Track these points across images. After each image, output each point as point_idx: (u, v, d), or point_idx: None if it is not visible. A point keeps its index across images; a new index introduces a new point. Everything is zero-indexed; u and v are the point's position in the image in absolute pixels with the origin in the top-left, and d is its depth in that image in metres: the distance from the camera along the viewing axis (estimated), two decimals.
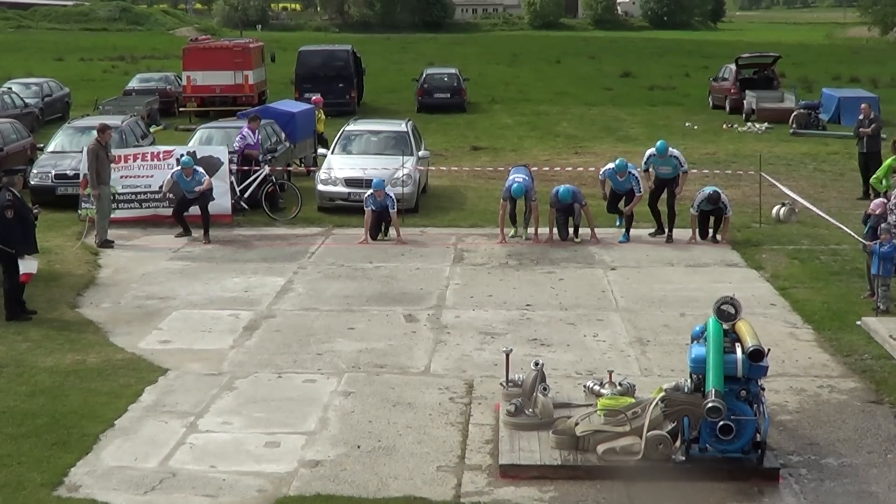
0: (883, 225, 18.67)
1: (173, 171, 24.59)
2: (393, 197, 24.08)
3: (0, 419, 13.83)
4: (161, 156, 26.12)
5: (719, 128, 45.67)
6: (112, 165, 24.59)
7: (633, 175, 24.33)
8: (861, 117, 29.99)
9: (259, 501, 11.64)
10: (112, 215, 24.10)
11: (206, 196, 24.20)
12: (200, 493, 11.79)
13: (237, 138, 27.26)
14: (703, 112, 51.62)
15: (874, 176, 23.52)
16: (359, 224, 25.70)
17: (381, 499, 11.68)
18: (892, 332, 17.01)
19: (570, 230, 24.25)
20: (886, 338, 16.87)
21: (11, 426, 13.60)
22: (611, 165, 24.78)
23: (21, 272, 18.07)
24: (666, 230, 24.31)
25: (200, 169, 24.37)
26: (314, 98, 36.19)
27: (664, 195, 24.58)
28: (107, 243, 23.14)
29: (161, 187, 25.16)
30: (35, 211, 19.25)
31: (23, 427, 13.58)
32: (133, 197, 25.32)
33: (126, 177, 25.09)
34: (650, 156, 24.52)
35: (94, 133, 25.04)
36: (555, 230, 24.18)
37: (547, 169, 32.18)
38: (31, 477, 12.15)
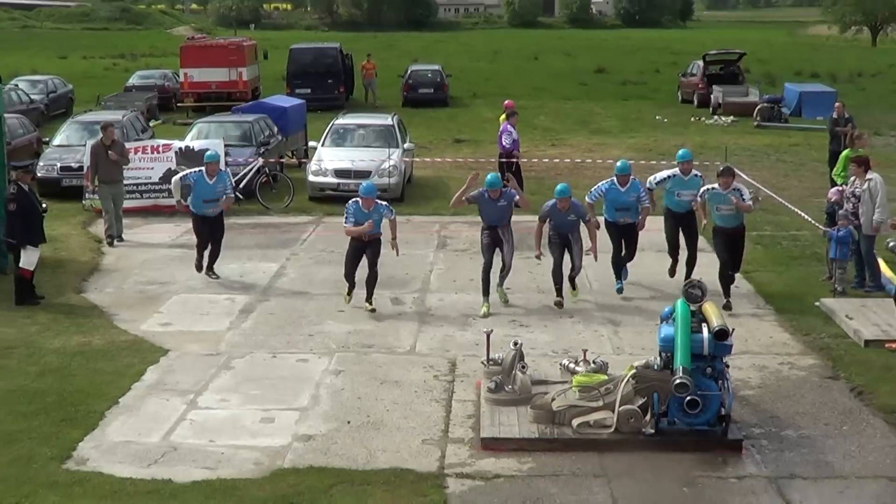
0: (840, 212, 18.78)
1: (186, 173, 19.92)
2: (387, 206, 17.92)
3: (11, 398, 13.87)
4: (160, 149, 26.21)
5: (688, 121, 45.75)
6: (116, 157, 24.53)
7: (638, 182, 18.51)
8: (836, 116, 29.69)
9: (255, 473, 11.69)
10: None
11: (222, 225, 20.00)
12: (200, 466, 11.85)
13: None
14: (673, 106, 51.66)
15: (834, 171, 23.58)
16: None
17: (370, 470, 11.75)
18: (849, 313, 17.12)
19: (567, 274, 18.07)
20: (843, 318, 16.98)
21: (22, 404, 13.64)
22: (602, 184, 18.56)
23: (20, 266, 18.08)
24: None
25: (226, 170, 21.40)
26: None
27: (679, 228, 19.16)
28: (114, 239, 22.71)
29: (161, 181, 25.17)
30: (44, 206, 19.17)
31: (33, 405, 13.62)
32: (134, 188, 25.30)
33: (128, 169, 25.03)
34: (668, 178, 18.79)
35: (95, 129, 25.08)
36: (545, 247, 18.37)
37: (525, 160, 32.18)
38: (41, 451, 12.21)
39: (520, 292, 18.68)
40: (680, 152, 19.00)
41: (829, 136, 29.94)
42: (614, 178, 18.20)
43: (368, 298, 17.38)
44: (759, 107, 45.24)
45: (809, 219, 22.40)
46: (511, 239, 17.88)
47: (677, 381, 11.97)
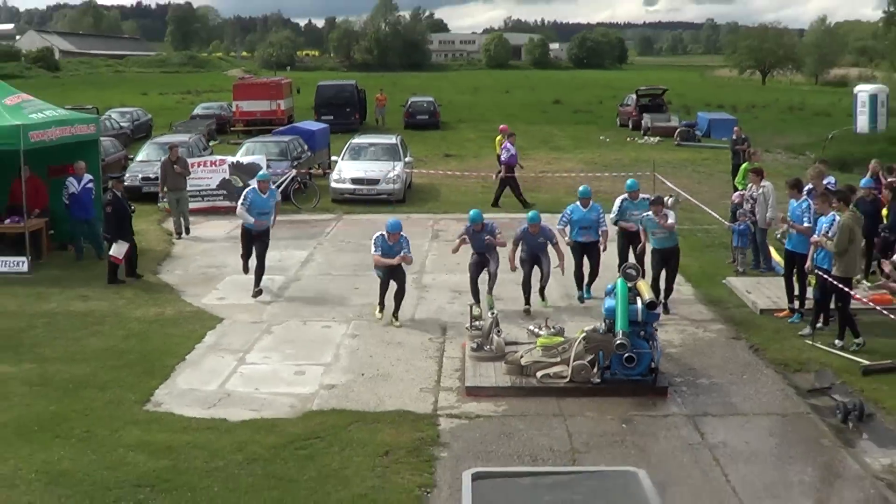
0: (739, 210, 18.82)
1: (244, 196, 17.39)
2: (407, 240, 15.67)
3: (104, 355, 13.84)
4: (217, 163, 26.26)
5: (624, 140, 45.71)
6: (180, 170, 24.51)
7: (597, 205, 17.05)
8: (735, 137, 30.01)
9: (291, 414, 11.65)
10: None
11: (267, 241, 17.86)
12: (248, 409, 11.80)
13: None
14: (613, 129, 51.60)
15: (736, 179, 23.56)
16: (363, 211, 25.70)
17: (380, 412, 11.70)
18: (748, 288, 17.12)
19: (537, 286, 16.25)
20: (743, 292, 16.98)
21: (112, 360, 13.61)
22: (567, 208, 16.96)
23: (111, 254, 18.04)
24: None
25: (273, 186, 18.60)
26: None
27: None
28: (181, 234, 22.59)
29: (217, 188, 25.17)
30: (132, 208, 19.28)
31: (121, 360, 13.60)
32: (197, 193, 25.34)
33: (193, 178, 25.03)
34: (621, 202, 17.22)
35: (167, 149, 25.10)
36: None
37: (500, 171, 32.07)
38: (127, 396, 12.19)
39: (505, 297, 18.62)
40: (628, 182, 17.54)
41: (731, 152, 30.03)
42: (578, 202, 16.67)
43: (395, 313, 15.46)
44: (678, 130, 45.28)
45: (717, 216, 22.34)
46: (496, 258, 16.00)
47: (618, 341, 11.97)
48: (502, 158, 27.65)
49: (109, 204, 18.17)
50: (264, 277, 18.42)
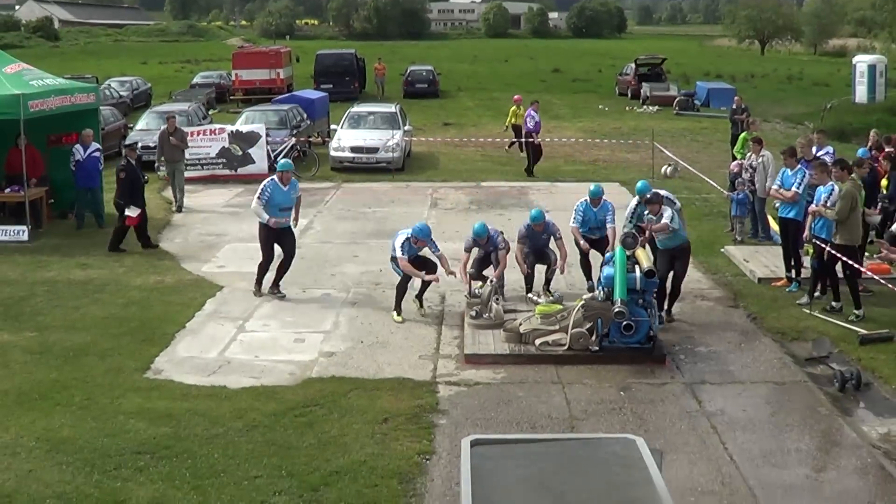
0: (739, 180, 18.77)
1: (263, 189, 14.96)
2: (436, 244, 14.25)
3: (104, 323, 13.80)
4: (217, 131, 26.11)
5: (623, 109, 45.54)
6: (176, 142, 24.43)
7: (608, 203, 15.30)
8: (734, 106, 29.81)
9: (290, 381, 11.63)
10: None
11: (294, 237, 15.61)
12: (248, 376, 11.78)
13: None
14: (612, 98, 51.42)
15: (735, 149, 23.47)
16: (362, 180, 25.66)
17: (379, 379, 11.68)
18: (746, 257, 17.09)
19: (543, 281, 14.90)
20: (741, 261, 16.95)
21: (113, 328, 13.57)
22: (578, 205, 15.32)
23: (125, 215, 18.11)
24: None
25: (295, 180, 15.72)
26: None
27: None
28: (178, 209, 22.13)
29: (216, 157, 25.07)
30: (145, 177, 19.52)
31: (121, 328, 13.56)
32: (196, 161, 25.24)
33: (192, 147, 24.92)
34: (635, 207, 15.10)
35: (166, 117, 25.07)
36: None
37: (499, 140, 32.03)
38: (127, 364, 12.16)
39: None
40: (639, 185, 15.46)
41: (730, 122, 29.88)
42: (588, 199, 15.17)
43: (419, 297, 14.34)
44: (677, 99, 45.13)
45: (716, 185, 22.29)
46: (502, 264, 14.44)
47: (616, 309, 11.95)
48: (528, 126, 27.50)
49: (123, 170, 18.29)
50: None
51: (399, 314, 13.97)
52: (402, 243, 13.82)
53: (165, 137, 22.54)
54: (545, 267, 14.79)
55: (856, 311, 13.88)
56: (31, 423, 10.30)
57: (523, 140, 27.96)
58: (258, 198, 14.84)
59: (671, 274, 13.92)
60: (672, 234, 13.71)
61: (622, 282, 12.09)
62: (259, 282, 15.12)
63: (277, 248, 15.28)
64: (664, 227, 13.58)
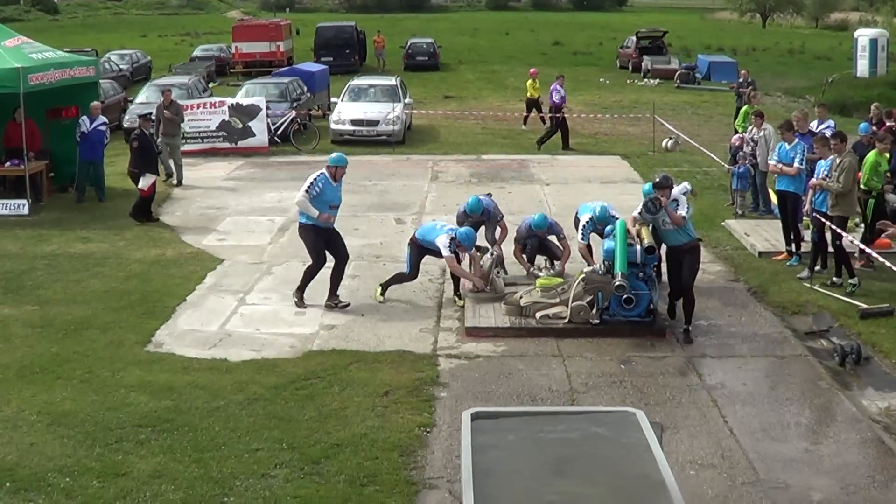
0: (740, 153, 18.71)
1: (313, 183, 13.15)
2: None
3: (105, 296, 13.79)
4: (217, 104, 25.98)
5: (624, 82, 45.37)
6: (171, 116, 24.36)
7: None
8: (741, 80, 29.67)
9: (291, 354, 11.63)
10: (182, 148, 23.81)
11: (341, 237, 13.79)
12: (249, 349, 11.77)
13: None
14: (613, 71, 51.18)
15: (736, 122, 23.34)
16: (362, 152, 25.58)
17: (379, 352, 11.67)
18: (747, 231, 17.05)
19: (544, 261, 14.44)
20: (742, 234, 16.92)
21: (113, 301, 13.56)
22: (587, 214, 13.89)
23: (139, 187, 18.15)
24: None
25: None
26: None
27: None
28: (177, 183, 21.77)
29: (217, 129, 24.98)
30: (158, 150, 19.56)
31: (122, 301, 13.54)
32: (196, 134, 25.16)
33: (192, 120, 24.89)
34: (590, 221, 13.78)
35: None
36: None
37: (500, 113, 31.94)
38: (128, 337, 12.15)
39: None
40: (645, 187, 13.96)
41: (735, 95, 29.75)
42: (594, 219, 13.70)
43: (456, 291, 13.63)
44: (678, 72, 44.95)
45: (717, 158, 22.22)
46: (503, 234, 14.42)
47: (617, 283, 11.92)
48: (553, 100, 27.37)
49: (136, 139, 18.40)
50: (264, 219, 18.37)
51: (383, 294, 13.55)
52: (448, 243, 12.92)
53: (161, 111, 22.37)
54: (546, 258, 14.47)
55: (850, 281, 13.86)
56: (32, 396, 10.30)
57: (548, 115, 27.65)
58: (306, 191, 13.02)
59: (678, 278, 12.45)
60: (681, 229, 12.18)
61: (623, 256, 12.05)
62: (302, 289, 13.39)
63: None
64: (680, 220, 12.05)
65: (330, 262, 13.46)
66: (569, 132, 26.90)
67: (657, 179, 12.51)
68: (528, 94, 30.58)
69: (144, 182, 18.08)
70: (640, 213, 12.41)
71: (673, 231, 12.22)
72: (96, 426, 9.56)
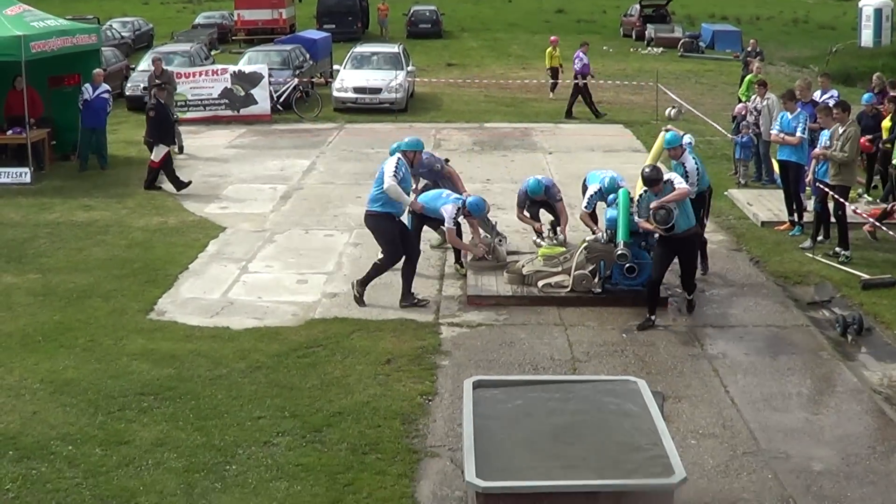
0: (743, 122, 18.63)
1: (396, 168, 12.12)
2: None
3: (108, 264, 13.77)
4: (219, 72, 25.84)
5: (628, 51, 45.14)
6: (182, 79, 24.32)
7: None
8: (749, 49, 29.48)
9: (293, 322, 11.61)
10: (184, 115, 23.76)
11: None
12: (251, 317, 11.76)
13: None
14: (616, 39, 50.93)
15: (739, 91, 23.23)
16: (365, 120, 25.52)
17: (381, 320, 11.66)
18: (749, 200, 17.00)
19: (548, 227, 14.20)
20: (745, 204, 16.87)
21: (116, 269, 13.54)
22: (596, 184, 13.40)
23: (151, 158, 18.13)
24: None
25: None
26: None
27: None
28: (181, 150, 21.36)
29: (219, 97, 24.85)
30: (175, 115, 19.49)
31: (124, 270, 13.52)
32: (199, 102, 25.06)
33: (194, 87, 24.80)
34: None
35: (170, 57, 25.00)
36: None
37: (503, 81, 31.80)
38: (131, 305, 12.13)
39: (498, 182, 18.51)
40: (668, 136, 12.92)
41: (742, 64, 29.59)
42: (602, 189, 13.33)
43: (457, 260, 13.53)
44: (682, 41, 44.79)
45: (720, 128, 22.13)
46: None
47: (619, 251, 11.89)
48: (576, 68, 27.21)
49: (152, 109, 18.33)
50: (266, 187, 18.33)
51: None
52: (455, 213, 12.37)
53: (152, 80, 21.98)
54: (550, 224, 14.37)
55: (844, 252, 13.83)
56: (35, 364, 10.30)
57: (576, 81, 27.33)
58: (394, 175, 12.03)
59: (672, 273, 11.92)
60: (681, 213, 11.24)
61: (625, 224, 12.01)
62: (366, 283, 12.29)
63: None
64: (684, 192, 11.33)
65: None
66: (590, 99, 26.51)
67: (645, 173, 11.41)
68: (549, 64, 30.28)
69: (157, 153, 18.02)
70: (640, 198, 11.64)
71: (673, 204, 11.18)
72: (99, 394, 9.57)
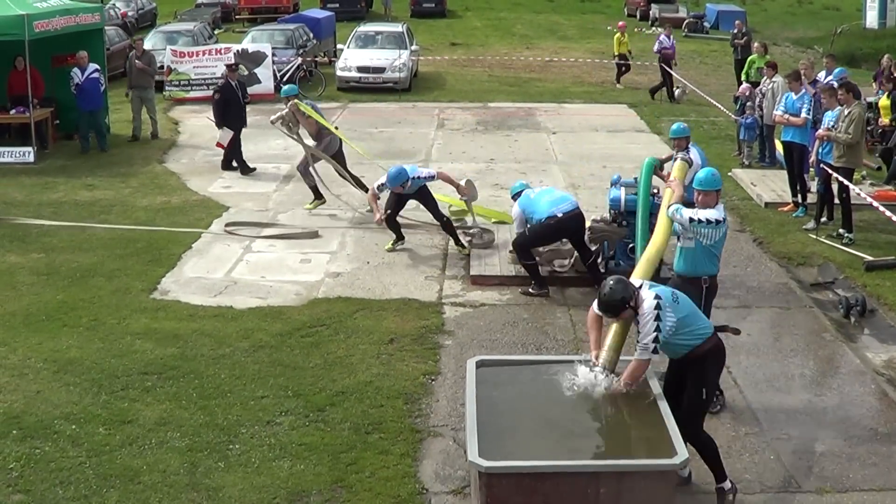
0: (748, 103, 18.57)
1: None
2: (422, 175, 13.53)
3: (111, 243, 13.73)
4: (223, 51, 25.68)
5: (632, 31, 44.79)
6: (185, 58, 24.28)
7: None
8: (735, 31, 29.24)
9: (297, 301, 11.60)
10: (187, 95, 23.70)
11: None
12: (254, 296, 11.74)
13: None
14: (621, 19, 50.60)
15: (743, 72, 23.10)
16: (368, 100, 25.42)
17: (385, 300, 11.64)
18: (753, 181, 16.96)
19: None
20: (749, 184, 16.83)
21: (119, 248, 13.50)
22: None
23: (218, 140, 18.05)
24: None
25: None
26: None
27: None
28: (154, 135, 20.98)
29: (222, 77, 24.80)
30: (246, 98, 19.20)
31: (127, 249, 13.49)
32: (202, 81, 24.96)
33: (197, 66, 24.73)
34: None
35: (174, 36, 24.90)
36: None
37: (507, 61, 31.70)
38: (134, 284, 12.10)
39: (501, 162, 18.46)
40: (674, 127, 12.61)
41: (731, 46, 29.31)
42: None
43: (457, 243, 13.50)
44: (686, 21, 44.63)
45: (724, 108, 22.04)
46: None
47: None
48: (655, 49, 27.07)
49: (218, 91, 18.23)
50: (269, 166, 18.29)
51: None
52: (384, 179, 13.22)
53: (132, 61, 21.35)
54: None
55: (848, 234, 13.79)
56: (38, 344, 10.29)
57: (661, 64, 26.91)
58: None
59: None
60: (696, 250, 8.86)
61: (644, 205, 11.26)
62: (542, 283, 11.95)
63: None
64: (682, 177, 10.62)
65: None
66: (665, 85, 26.20)
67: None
68: (617, 50, 29.53)
69: (222, 136, 17.91)
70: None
71: (689, 250, 8.94)
72: (102, 373, 9.56)
